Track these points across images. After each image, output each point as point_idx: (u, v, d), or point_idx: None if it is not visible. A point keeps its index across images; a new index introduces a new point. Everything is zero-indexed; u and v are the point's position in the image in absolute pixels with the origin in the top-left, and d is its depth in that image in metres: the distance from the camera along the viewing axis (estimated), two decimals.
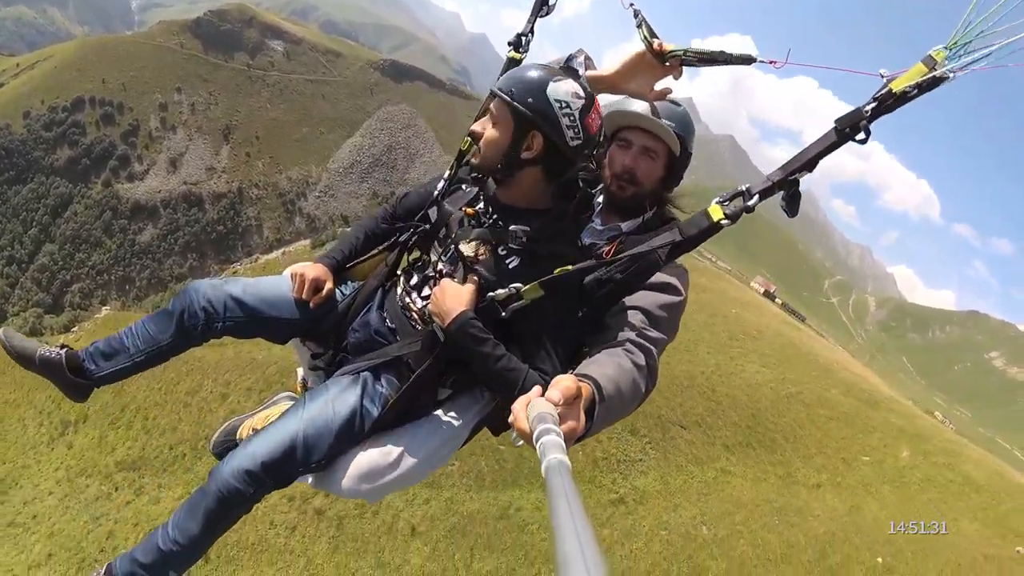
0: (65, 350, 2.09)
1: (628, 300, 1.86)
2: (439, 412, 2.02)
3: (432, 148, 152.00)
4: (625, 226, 2.08)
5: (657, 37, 1.84)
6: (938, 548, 14.99)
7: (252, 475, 1.77)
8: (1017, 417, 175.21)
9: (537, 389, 1.18)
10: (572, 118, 1.78)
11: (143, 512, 18.18)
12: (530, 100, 1.77)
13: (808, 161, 1.58)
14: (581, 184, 2.03)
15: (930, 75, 1.41)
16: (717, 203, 1.68)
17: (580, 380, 1.32)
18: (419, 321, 2.00)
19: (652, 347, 1.75)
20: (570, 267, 1.74)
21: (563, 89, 1.79)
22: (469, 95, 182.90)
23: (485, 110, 1.90)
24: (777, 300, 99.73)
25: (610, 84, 1.99)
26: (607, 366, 1.56)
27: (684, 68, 1.88)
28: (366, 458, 1.87)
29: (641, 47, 1.87)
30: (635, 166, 2.05)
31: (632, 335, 1.74)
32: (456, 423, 2.00)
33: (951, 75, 1.41)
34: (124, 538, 17.31)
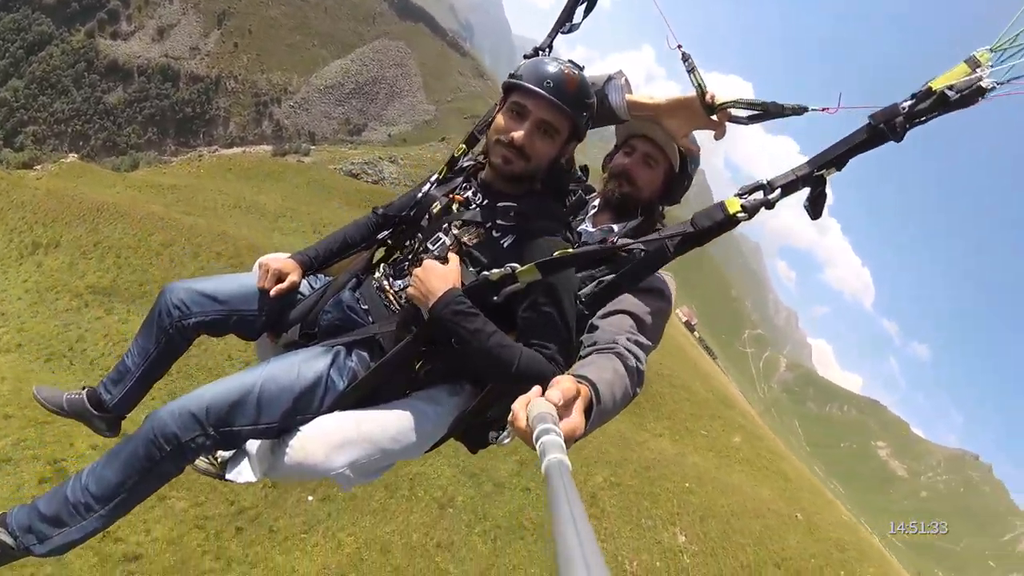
0: (86, 390, 2.15)
1: (618, 304, 1.84)
2: (414, 398, 1.90)
3: (416, 92, 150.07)
4: (617, 227, 2.07)
5: (708, 89, 1.81)
6: (732, 491, 19.18)
7: (195, 419, 1.61)
8: (887, 506, 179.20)
9: (537, 389, 1.15)
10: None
11: (113, 328, 18.78)
12: (586, 114, 1.82)
13: (838, 157, 1.48)
14: (576, 192, 2.21)
15: (973, 76, 1.31)
16: (736, 195, 1.57)
17: (579, 381, 1.30)
18: (394, 303, 1.95)
19: (642, 352, 1.74)
20: (571, 250, 1.70)
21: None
22: (466, 52, 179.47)
23: (520, 112, 1.79)
24: (696, 333, 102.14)
25: (650, 114, 2.01)
26: (604, 370, 1.53)
27: (728, 124, 1.85)
28: (336, 428, 1.72)
29: (693, 92, 1.85)
30: (632, 169, 2.11)
31: (624, 339, 1.71)
32: (435, 411, 1.88)
33: (991, 87, 1.31)
34: (93, 343, 18.08)
